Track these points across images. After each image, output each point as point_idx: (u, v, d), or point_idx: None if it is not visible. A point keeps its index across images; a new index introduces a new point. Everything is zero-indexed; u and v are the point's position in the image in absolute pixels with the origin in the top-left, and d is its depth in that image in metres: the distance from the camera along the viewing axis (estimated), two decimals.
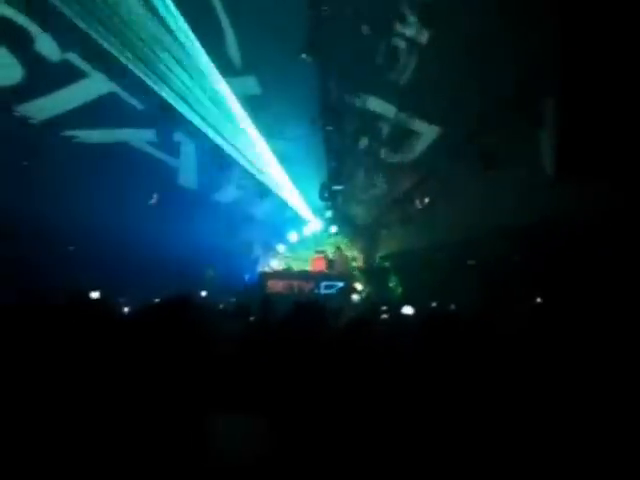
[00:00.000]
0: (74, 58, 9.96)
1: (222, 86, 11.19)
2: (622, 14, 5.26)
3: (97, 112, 10.98)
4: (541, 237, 10.91)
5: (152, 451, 2.04)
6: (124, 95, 10.98)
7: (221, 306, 12.99)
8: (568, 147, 6.17)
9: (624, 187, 6.72)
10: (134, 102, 11.19)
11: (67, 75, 10.24)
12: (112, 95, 10.85)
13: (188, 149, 13.31)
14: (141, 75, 10.16)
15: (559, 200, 9.34)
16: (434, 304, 10.66)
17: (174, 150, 13.29)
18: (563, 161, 6.08)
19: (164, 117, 11.56)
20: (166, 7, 9.40)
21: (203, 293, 12.74)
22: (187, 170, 13.89)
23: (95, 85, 10.57)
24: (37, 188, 10.58)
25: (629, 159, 5.87)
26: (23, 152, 10.64)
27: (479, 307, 9.55)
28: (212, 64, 10.62)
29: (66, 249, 11.11)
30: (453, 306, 10.57)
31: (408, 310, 9.98)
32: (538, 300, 11.16)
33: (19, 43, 9.43)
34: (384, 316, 9.61)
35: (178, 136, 12.89)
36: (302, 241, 18.31)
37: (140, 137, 12.45)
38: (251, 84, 11.44)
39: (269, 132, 12.78)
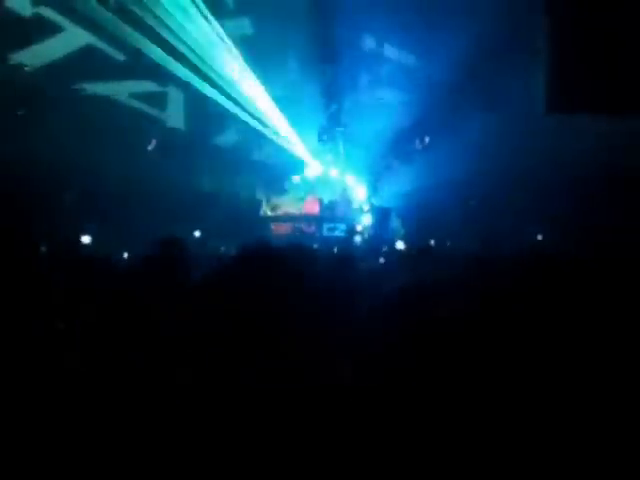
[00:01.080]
0: (47, 12, 9.74)
1: (216, 28, 11.00)
2: None
3: (76, 66, 10.80)
4: (540, 176, 10.89)
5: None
6: (104, 47, 10.78)
7: (222, 248, 13.12)
8: (558, 81, 6.13)
9: (614, 121, 6.69)
10: (115, 54, 11.00)
11: (41, 29, 10.05)
12: (91, 48, 10.66)
13: (176, 99, 13.11)
14: (123, 25, 9.96)
15: (557, 137, 9.31)
16: (432, 242, 10.73)
17: (161, 101, 13.10)
18: (553, 95, 6.04)
19: (149, 68, 11.36)
20: None
21: (197, 233, 12.79)
22: (176, 120, 13.73)
23: (71, 38, 10.37)
24: (34, 136, 10.54)
25: (618, 93, 5.83)
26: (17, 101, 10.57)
27: (477, 245, 9.62)
28: (204, 5, 10.44)
29: (63, 195, 11.14)
30: (449, 243, 10.67)
31: (400, 245, 10.12)
32: (539, 237, 11.22)
33: None
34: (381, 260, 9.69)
35: (165, 86, 12.68)
36: (304, 184, 18.22)
37: (122, 90, 12.25)
38: (245, 25, 11.26)
39: (265, 75, 12.62)
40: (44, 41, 10.37)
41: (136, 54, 10.94)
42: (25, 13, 9.61)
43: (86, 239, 7.51)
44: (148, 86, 12.53)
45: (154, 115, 13.38)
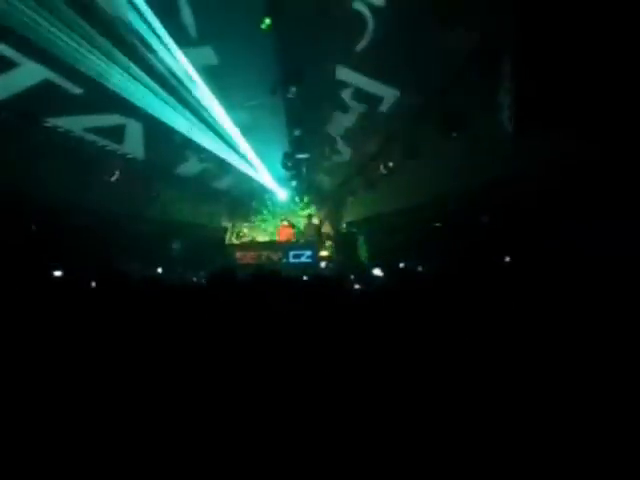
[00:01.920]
0: (3, 49, 9.53)
1: (178, 57, 10.96)
2: None
3: (32, 100, 10.61)
4: (506, 195, 11.01)
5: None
6: (61, 81, 10.63)
7: (194, 279, 12.98)
8: (525, 101, 6.22)
9: (581, 139, 6.81)
10: (71, 88, 10.85)
11: None
12: (47, 83, 10.49)
13: (136, 130, 12.95)
14: (81, 58, 9.85)
15: (521, 157, 9.42)
16: (402, 265, 10.73)
17: (120, 133, 12.95)
18: (521, 115, 6.12)
19: (107, 100, 11.24)
20: None
21: (159, 270, 12.64)
22: (136, 151, 13.57)
23: (28, 74, 10.19)
24: None
25: (585, 111, 5.93)
26: None
27: (445, 267, 9.62)
28: (167, 35, 10.38)
29: (28, 228, 10.93)
30: (420, 268, 10.67)
31: (377, 272, 10.05)
32: (507, 259, 11.28)
33: None
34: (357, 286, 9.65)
35: (122, 118, 12.54)
36: (269, 211, 18.29)
37: (81, 123, 12.06)
38: (208, 54, 11.22)
39: (228, 102, 12.62)
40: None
41: (94, 87, 10.79)
42: None
43: (57, 273, 7.34)
44: (107, 119, 12.38)
45: (114, 148, 13.22)
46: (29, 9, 8.96)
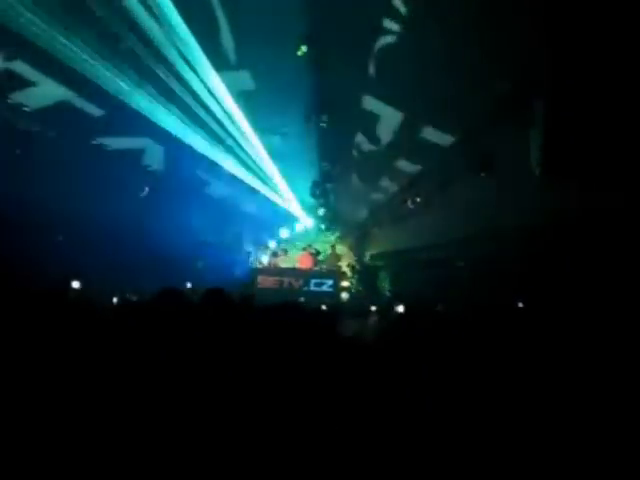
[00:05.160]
0: (20, 66, 9.60)
1: (214, 81, 11.10)
2: (609, 17, 5.29)
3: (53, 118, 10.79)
4: (531, 239, 10.91)
5: None
6: (81, 103, 10.79)
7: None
8: (555, 149, 6.18)
9: (610, 189, 6.75)
10: (92, 110, 11.04)
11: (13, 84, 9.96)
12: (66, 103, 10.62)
13: (160, 150, 13.18)
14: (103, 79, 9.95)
15: (549, 202, 9.34)
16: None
17: (146, 154, 13.21)
18: (550, 163, 6.08)
19: (134, 123, 11.40)
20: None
21: (188, 285, 12.69)
22: (162, 171, 13.77)
23: (46, 93, 10.30)
24: (28, 177, 10.47)
25: (615, 161, 5.88)
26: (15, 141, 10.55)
27: (464, 308, 9.51)
28: (206, 58, 10.52)
29: (55, 238, 11.05)
30: (440, 307, 10.57)
31: (400, 309, 9.99)
32: (520, 305, 11.11)
33: None
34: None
35: (149, 140, 12.82)
36: (293, 238, 18.31)
37: (111, 143, 12.30)
38: (245, 79, 11.36)
39: (262, 127, 12.74)
40: (16, 95, 10.26)
41: (117, 108, 10.91)
42: None
43: (75, 284, 7.42)
44: (133, 141, 12.64)
45: (141, 165, 13.44)
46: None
